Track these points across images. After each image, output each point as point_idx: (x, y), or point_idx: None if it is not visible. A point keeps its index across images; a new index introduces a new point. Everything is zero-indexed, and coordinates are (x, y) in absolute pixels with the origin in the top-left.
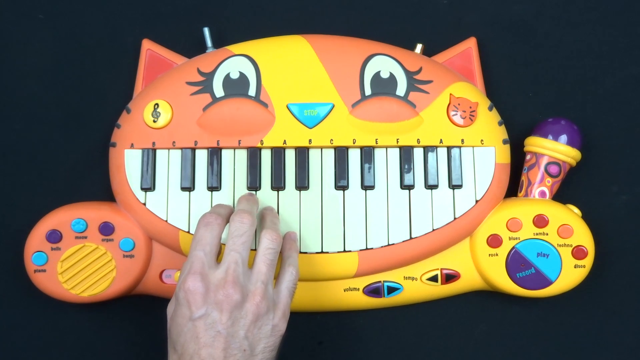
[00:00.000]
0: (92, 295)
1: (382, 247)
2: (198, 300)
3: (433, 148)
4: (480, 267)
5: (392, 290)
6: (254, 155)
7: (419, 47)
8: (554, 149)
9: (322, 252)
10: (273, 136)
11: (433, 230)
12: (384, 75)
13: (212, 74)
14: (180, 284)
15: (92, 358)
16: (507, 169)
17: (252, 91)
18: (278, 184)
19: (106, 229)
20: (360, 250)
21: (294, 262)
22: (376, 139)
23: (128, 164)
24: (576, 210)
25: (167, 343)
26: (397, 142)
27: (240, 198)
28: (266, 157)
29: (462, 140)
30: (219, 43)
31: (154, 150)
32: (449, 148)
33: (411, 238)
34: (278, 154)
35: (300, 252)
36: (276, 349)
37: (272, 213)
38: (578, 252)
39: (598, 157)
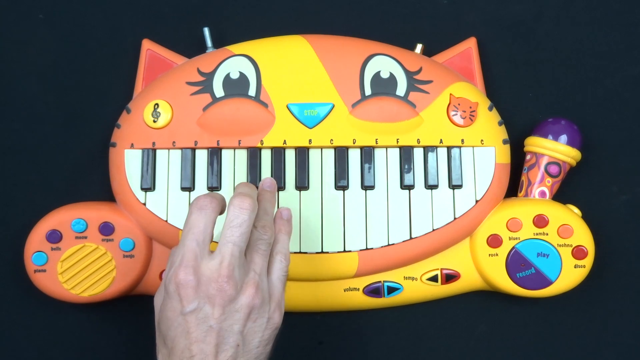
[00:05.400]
0: (92, 295)
1: (382, 247)
2: (190, 293)
3: (433, 148)
4: (480, 267)
5: (392, 290)
6: (254, 155)
7: (419, 47)
8: (554, 149)
9: (322, 252)
10: (273, 136)
11: (433, 230)
12: (384, 75)
13: (212, 74)
14: (170, 276)
15: (92, 358)
16: (507, 169)
17: (252, 91)
18: (278, 184)
19: (106, 229)
20: (360, 250)
21: (283, 249)
22: (376, 139)
23: (128, 164)
24: (576, 210)
25: (156, 335)
26: (397, 142)
27: (239, 184)
28: (266, 157)
29: (462, 140)
30: (219, 43)
31: (154, 150)
32: (449, 148)
33: (411, 238)
34: (278, 154)
35: (300, 252)
36: (271, 342)
37: (267, 197)
38: (578, 252)
39: (598, 157)
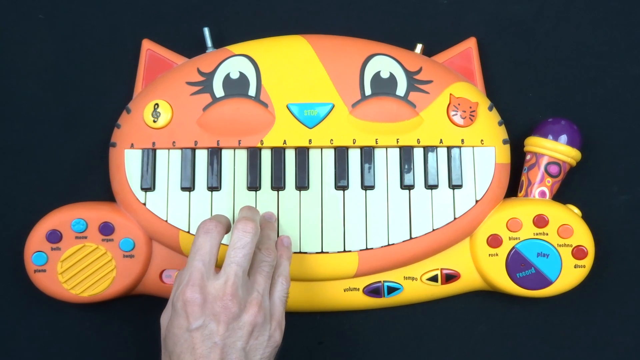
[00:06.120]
0: (92, 295)
1: (382, 247)
2: (196, 311)
3: (433, 148)
4: (480, 267)
5: (392, 290)
6: (254, 155)
7: (419, 47)
8: (554, 149)
9: (322, 252)
10: (273, 136)
11: (433, 230)
12: (384, 75)
13: (212, 74)
14: (178, 294)
15: (92, 358)
16: (507, 169)
17: (252, 91)
18: (278, 184)
19: (106, 229)
20: (360, 250)
21: (284, 272)
22: (376, 139)
23: (128, 164)
24: (576, 210)
25: (162, 352)
26: (397, 142)
27: (243, 207)
28: (266, 157)
29: (462, 140)
30: (219, 43)
31: (154, 150)
32: (449, 148)
33: (411, 238)
34: (278, 154)
35: (300, 252)
36: None
37: (269, 226)
38: (578, 252)
39: (598, 157)
